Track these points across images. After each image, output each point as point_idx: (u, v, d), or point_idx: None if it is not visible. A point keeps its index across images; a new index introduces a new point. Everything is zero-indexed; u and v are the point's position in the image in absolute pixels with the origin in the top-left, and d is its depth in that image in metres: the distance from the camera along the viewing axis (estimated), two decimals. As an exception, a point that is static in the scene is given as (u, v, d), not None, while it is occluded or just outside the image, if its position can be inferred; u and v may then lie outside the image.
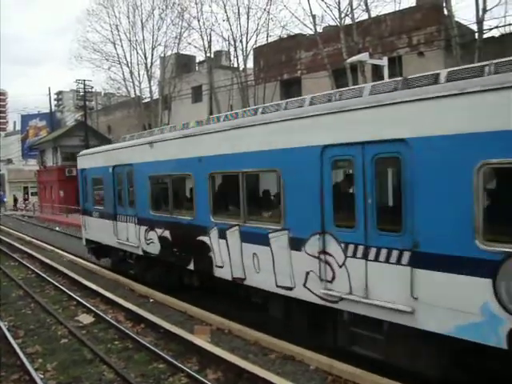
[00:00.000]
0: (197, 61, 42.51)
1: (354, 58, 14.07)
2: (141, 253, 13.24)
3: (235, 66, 32.94)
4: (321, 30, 27.16)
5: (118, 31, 39.17)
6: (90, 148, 22.78)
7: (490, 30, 21.33)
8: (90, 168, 16.52)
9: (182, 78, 37.20)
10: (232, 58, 33.75)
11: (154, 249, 12.48)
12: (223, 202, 10.50)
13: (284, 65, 29.69)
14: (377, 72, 19.84)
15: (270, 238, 8.57)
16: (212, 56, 35.75)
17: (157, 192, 12.82)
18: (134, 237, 13.32)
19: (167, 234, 11.84)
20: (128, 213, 13.69)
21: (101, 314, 11.27)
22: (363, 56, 13.25)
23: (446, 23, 21.91)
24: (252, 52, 32.65)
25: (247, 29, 32.03)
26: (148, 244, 12.69)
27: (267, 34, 31.95)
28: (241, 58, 32.72)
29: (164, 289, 12.79)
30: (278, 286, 8.61)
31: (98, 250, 17.04)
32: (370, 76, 22.41)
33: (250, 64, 33.15)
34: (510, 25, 24.89)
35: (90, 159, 16.66)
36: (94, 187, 16.23)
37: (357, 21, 24.02)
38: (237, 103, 31.30)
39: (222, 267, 9.98)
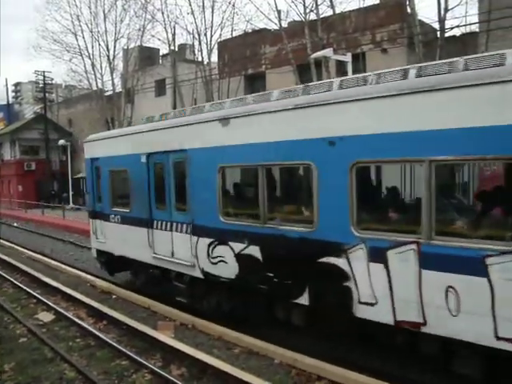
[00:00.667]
0: (160, 54, 41.99)
1: (319, 54, 14.19)
2: (198, 275, 9.69)
3: (199, 59, 32.65)
4: (286, 25, 27.26)
5: (79, 21, 38.25)
6: (49, 141, 21.62)
7: (452, 29, 21.92)
8: (105, 157, 12.74)
9: (145, 71, 36.66)
10: (196, 51, 33.47)
11: (227, 271, 8.98)
12: (378, 207, 7.49)
13: (249, 59, 29.63)
14: (341, 68, 20.04)
15: (490, 264, 5.62)
16: (176, 49, 35.32)
17: (235, 189, 9.71)
18: (187, 252, 9.83)
19: (254, 251, 8.35)
20: (176, 219, 10.24)
21: (62, 311, 10.99)
22: (327, 52, 13.38)
23: (408, 21, 22.31)
24: (216, 46, 32.46)
25: (212, 22, 31.78)
26: (214, 264, 9.22)
27: (232, 28, 31.91)
28: (205, 52, 32.45)
29: (233, 322, 9.45)
30: (500, 339, 5.61)
31: (111, 262, 13.41)
32: (334, 72, 22.64)
33: (215, 58, 32.98)
34: (470, 24, 25.65)
35: (106, 145, 12.85)
36: (113, 183, 12.64)
37: (321, 17, 24.21)
38: (201, 97, 31.10)
39: (372, 304, 6.79)
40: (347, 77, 8.62)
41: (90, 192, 13.75)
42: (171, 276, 10.70)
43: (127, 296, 12.20)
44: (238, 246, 8.69)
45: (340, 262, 7.03)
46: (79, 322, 10.22)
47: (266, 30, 29.36)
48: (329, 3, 24.15)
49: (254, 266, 8.40)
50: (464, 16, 23.30)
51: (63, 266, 16.21)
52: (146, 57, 39.19)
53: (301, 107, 7.51)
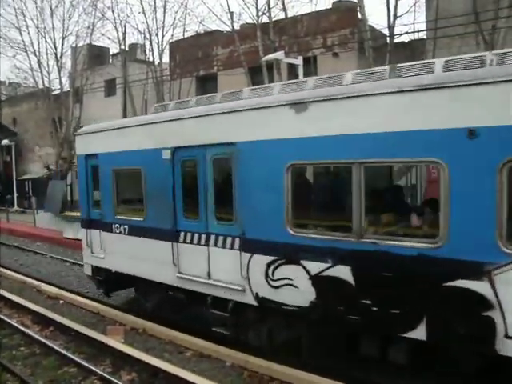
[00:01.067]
0: (111, 53, 41.08)
1: (270, 56, 14.28)
2: (250, 301, 7.75)
3: (150, 60, 32.22)
4: (238, 27, 27.29)
5: (24, 16, 36.69)
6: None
7: (401, 35, 22.65)
8: (107, 154, 10.50)
9: (94, 71, 35.71)
10: (147, 51, 32.94)
11: (296, 297, 7.13)
12: None
13: (200, 61, 29.49)
14: (292, 71, 20.22)
15: None
16: (127, 49, 34.68)
17: (313, 193, 8.22)
18: (234, 273, 7.85)
19: (343, 273, 6.54)
20: (214, 230, 8.21)
21: (4, 318, 10.52)
22: (279, 54, 13.49)
23: (359, 26, 22.80)
24: (168, 46, 32.13)
25: (163, 22, 31.36)
26: (276, 287, 7.32)
27: (184, 28, 31.56)
28: (156, 52, 32.11)
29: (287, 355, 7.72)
30: None
31: (109, 280, 11.30)
32: (285, 74, 22.83)
33: (166, 58, 32.63)
34: (418, 31, 26.53)
35: (109, 139, 10.52)
36: (118, 185, 10.44)
37: (274, 20, 24.37)
38: (151, 98, 30.64)
39: None
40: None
41: (83, 196, 11.55)
42: (206, 301, 8.51)
43: (75, 301, 11.85)
44: (315, 266, 6.83)
45: (479, 285, 5.51)
46: (24, 329, 9.83)
47: (218, 32, 29.30)
48: (281, 6, 24.40)
49: (342, 291, 6.62)
50: (412, 23, 24.12)
51: (8, 272, 15.54)
52: (96, 55, 38.23)
53: (435, 87, 5.66)
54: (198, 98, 9.60)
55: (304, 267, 6.97)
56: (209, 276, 8.34)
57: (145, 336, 9.43)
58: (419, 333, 5.98)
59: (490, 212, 5.35)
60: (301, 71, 12.54)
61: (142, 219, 9.73)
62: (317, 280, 6.84)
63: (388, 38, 22.00)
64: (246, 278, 7.69)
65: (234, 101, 8.22)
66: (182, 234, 8.83)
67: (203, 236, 8.43)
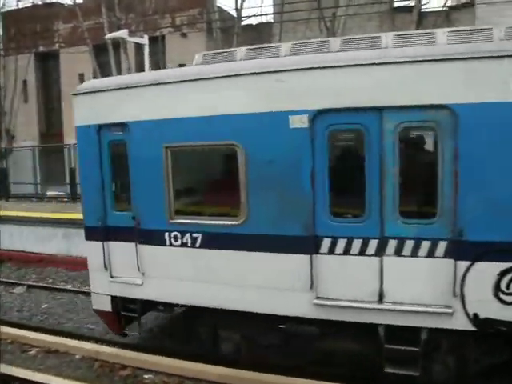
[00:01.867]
0: None
1: (114, 35, 13.56)
2: (463, 325, 5.71)
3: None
4: (81, 1, 25.71)
5: None
6: None
7: (249, 17, 23.19)
8: (150, 122, 6.94)
9: None
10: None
11: None
12: None
13: (39, 35, 27.17)
14: (139, 51, 19.63)
15: None
16: None
17: None
18: (432, 290, 5.75)
19: None
20: (397, 232, 5.81)
21: None
22: (123, 33, 12.87)
23: (208, 7, 22.86)
24: (0, 17, 29.08)
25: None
26: (509, 304, 5.57)
27: (18, -3, 28.83)
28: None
29: None
30: None
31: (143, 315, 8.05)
32: (132, 54, 22.16)
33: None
34: (265, 14, 27.35)
35: (152, 99, 6.92)
36: (179, 171, 6.97)
37: (120, -5, 23.36)
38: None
39: None
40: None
41: (92, 191, 7.58)
42: (378, 334, 6.07)
43: None
44: None
45: None
46: None
47: (59, 5, 27.28)
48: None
49: None
50: (260, 6, 24.85)
51: None
52: None
53: None
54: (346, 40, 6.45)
55: None
56: (380, 298, 6.01)
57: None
58: None
59: None
60: (146, 51, 12.18)
61: (237, 223, 6.55)
62: None
63: (236, 20, 22.43)
64: (460, 295, 5.68)
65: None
66: (328, 241, 6.17)
67: (373, 242, 5.96)
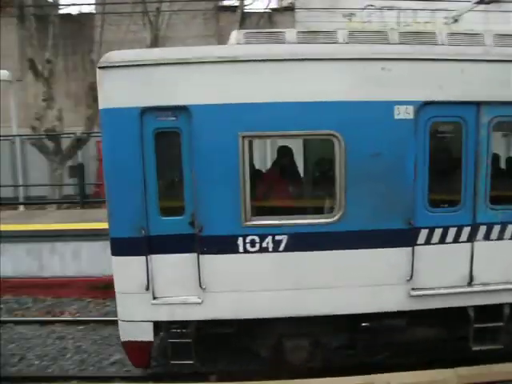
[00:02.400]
0: None
1: None
2: None
3: None
4: None
5: None
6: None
7: (68, 6, 20.88)
8: (222, 106, 5.69)
9: None
10: None
11: None
12: None
13: None
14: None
15: None
16: None
17: None
18: None
19: None
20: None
21: None
22: None
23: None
24: None
25: None
26: None
27: None
28: None
29: None
30: None
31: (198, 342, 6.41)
32: None
33: None
34: (86, 5, 24.90)
35: (235, 78, 5.76)
36: (253, 163, 6.19)
37: None
38: None
39: None
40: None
41: (129, 192, 5.94)
42: (467, 316, 6.37)
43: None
44: None
45: None
46: None
47: None
48: None
49: None
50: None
51: None
52: None
53: None
54: None
55: None
56: (470, 281, 6.28)
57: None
58: None
59: None
60: None
61: (331, 220, 6.07)
62: None
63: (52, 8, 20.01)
64: None
65: None
66: (426, 231, 6.16)
67: (466, 229, 6.20)
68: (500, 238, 6.21)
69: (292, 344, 6.60)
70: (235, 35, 6.31)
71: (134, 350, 6.49)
